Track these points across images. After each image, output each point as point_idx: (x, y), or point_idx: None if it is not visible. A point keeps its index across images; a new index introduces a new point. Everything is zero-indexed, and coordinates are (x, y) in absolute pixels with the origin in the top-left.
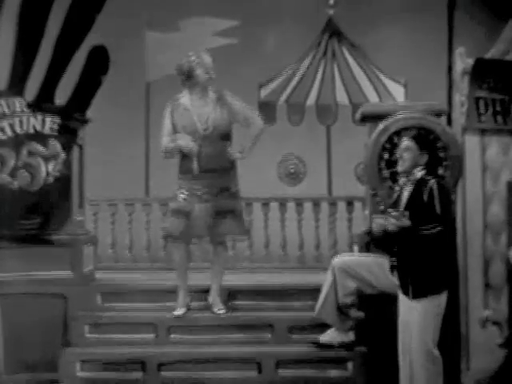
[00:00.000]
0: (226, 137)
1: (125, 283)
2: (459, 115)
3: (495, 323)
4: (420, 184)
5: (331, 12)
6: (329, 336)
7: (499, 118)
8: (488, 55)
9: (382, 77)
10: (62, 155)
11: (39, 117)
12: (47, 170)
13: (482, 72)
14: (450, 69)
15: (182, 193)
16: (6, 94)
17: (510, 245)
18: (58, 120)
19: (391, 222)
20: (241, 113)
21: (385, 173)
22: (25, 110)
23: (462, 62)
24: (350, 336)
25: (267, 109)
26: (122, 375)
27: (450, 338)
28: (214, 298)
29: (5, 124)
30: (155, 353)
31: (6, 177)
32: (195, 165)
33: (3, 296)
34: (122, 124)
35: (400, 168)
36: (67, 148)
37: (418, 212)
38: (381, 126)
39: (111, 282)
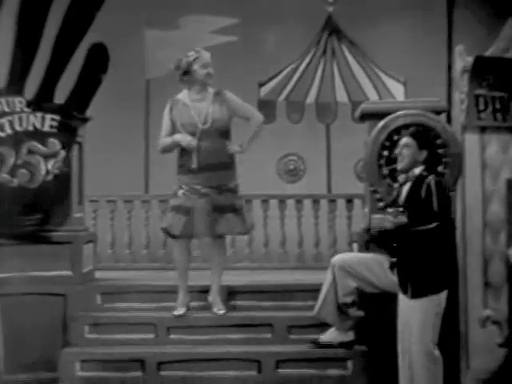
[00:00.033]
0: (224, 133)
1: (125, 283)
2: (459, 113)
3: (495, 322)
4: (418, 181)
5: (331, 10)
6: (329, 336)
7: (499, 116)
8: (488, 53)
9: (381, 75)
10: (62, 153)
11: (39, 115)
12: (47, 168)
13: (481, 70)
14: (449, 66)
15: (182, 188)
16: (5, 92)
17: (509, 243)
18: (57, 118)
19: (387, 219)
20: (240, 108)
21: (384, 170)
22: (24, 108)
23: (462, 59)
24: (350, 335)
25: (267, 107)
26: (121, 375)
27: (450, 338)
28: (214, 297)
29: (4, 121)
30: (155, 352)
31: (5, 175)
32: (194, 159)
33: (3, 295)
34: (122, 121)
35: (399, 165)
36: (67, 146)
37: (415, 209)
38: (380, 123)
39: (111, 282)
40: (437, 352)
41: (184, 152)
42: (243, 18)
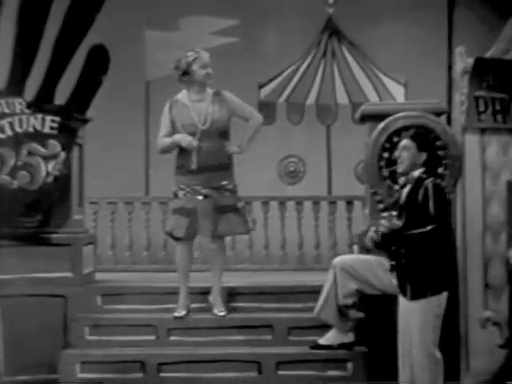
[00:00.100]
0: (224, 133)
1: (125, 284)
2: (459, 114)
3: (495, 324)
4: (417, 184)
5: (331, 11)
6: (328, 338)
7: (499, 117)
8: (488, 54)
9: (381, 76)
10: (62, 155)
11: (39, 116)
12: (47, 170)
13: (481, 71)
14: (449, 68)
15: (182, 189)
16: (5, 93)
17: (509, 245)
18: (57, 119)
19: (382, 223)
20: (239, 108)
21: (384, 172)
22: (24, 110)
23: (462, 61)
24: (350, 337)
25: (267, 108)
26: (122, 376)
27: (450, 339)
28: (214, 298)
29: (4, 123)
30: (155, 354)
31: (5, 177)
32: (194, 160)
33: (3, 297)
34: (122, 123)
35: (399, 168)
36: (67, 147)
37: (413, 212)
38: (380, 125)
39: (111, 284)
40: (438, 353)
41: (183, 152)
42: (243, 19)
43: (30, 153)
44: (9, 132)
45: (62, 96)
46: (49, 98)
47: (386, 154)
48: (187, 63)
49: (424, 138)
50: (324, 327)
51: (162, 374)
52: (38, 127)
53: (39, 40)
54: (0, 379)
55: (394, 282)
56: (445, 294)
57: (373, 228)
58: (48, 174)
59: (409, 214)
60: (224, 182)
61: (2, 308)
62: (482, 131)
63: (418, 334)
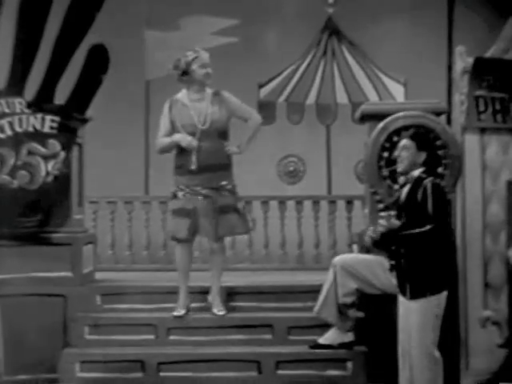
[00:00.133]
0: (223, 134)
1: (125, 284)
2: (459, 114)
3: (495, 323)
4: (416, 183)
5: (331, 11)
6: (328, 338)
7: (499, 117)
8: (488, 53)
9: (381, 76)
10: (62, 154)
11: (39, 116)
12: (47, 169)
13: (481, 71)
14: (449, 67)
15: (181, 189)
16: (5, 93)
17: (509, 244)
18: (57, 119)
19: (380, 223)
20: (238, 108)
21: (384, 171)
22: (24, 109)
23: (462, 60)
24: (350, 336)
25: (267, 108)
26: (121, 376)
27: (450, 339)
28: (214, 298)
29: (4, 122)
30: (155, 353)
31: (5, 176)
32: (194, 160)
33: (3, 296)
34: (122, 122)
35: (398, 167)
36: (67, 147)
37: (413, 211)
38: (380, 124)
39: (111, 283)
40: (437, 353)
41: (182, 152)
42: (243, 19)
43: (29, 152)
44: (9, 132)
45: (61, 96)
46: (49, 97)
47: (385, 154)
48: (187, 63)
49: (424, 137)
50: (324, 327)
51: (161, 374)
52: (38, 127)
53: (39, 40)
54: (0, 378)
55: (394, 281)
56: (444, 294)
57: (371, 227)
58: (48, 173)
59: (408, 213)
60: (223, 183)
61: (1, 307)
62: (482, 131)
63: (418, 333)
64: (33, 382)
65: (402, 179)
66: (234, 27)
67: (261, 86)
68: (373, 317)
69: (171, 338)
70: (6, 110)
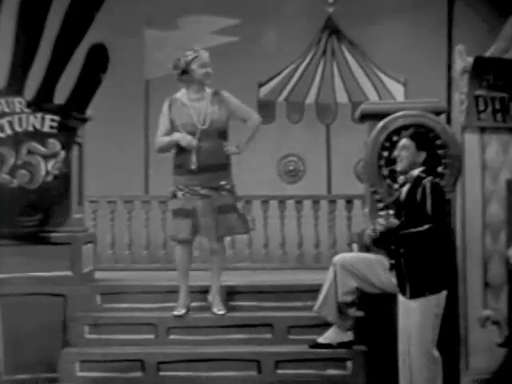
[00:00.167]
0: (222, 134)
1: (124, 283)
2: (459, 113)
3: (495, 322)
4: (416, 183)
5: (330, 10)
6: (327, 337)
7: (498, 116)
8: (488, 53)
9: (381, 75)
10: (62, 153)
11: (38, 115)
12: (46, 169)
13: (481, 70)
14: (449, 67)
15: (180, 189)
16: (5, 92)
17: (509, 244)
18: (57, 118)
19: (379, 222)
20: (238, 109)
21: (384, 171)
22: (24, 109)
23: (462, 60)
24: (350, 335)
25: (267, 107)
26: (121, 375)
27: (449, 338)
28: (214, 297)
29: (4, 122)
30: (155, 353)
31: (5, 176)
32: (194, 159)
33: (2, 296)
34: (122, 122)
35: (398, 167)
36: (66, 146)
37: (412, 211)
38: (380, 124)
39: (111, 283)
40: (436, 353)
41: (181, 152)
42: (243, 18)
43: (29, 152)
44: (8, 131)
45: (61, 95)
46: (48, 97)
47: (385, 153)
48: (186, 62)
49: (423, 137)
50: (324, 326)
51: (161, 373)
52: (38, 126)
53: (39, 39)
54: (0, 378)
55: (394, 280)
56: (444, 294)
57: (371, 226)
58: (48, 172)
59: (407, 212)
60: (222, 182)
61: (1, 307)
62: (482, 130)
63: (417, 332)
64: (33, 382)
65: (401, 178)
66: (234, 26)
67: (260, 86)
68: (373, 316)
69: (171, 337)
70: (6, 110)
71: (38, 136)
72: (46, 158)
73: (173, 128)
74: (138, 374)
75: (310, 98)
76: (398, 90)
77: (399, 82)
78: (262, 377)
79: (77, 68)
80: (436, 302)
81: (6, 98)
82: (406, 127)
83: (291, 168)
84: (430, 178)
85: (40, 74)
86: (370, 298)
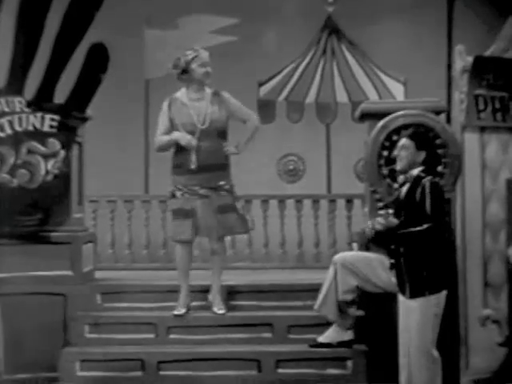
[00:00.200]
0: (222, 134)
1: (124, 283)
2: (458, 113)
3: (495, 322)
4: (415, 182)
5: (330, 9)
6: (328, 336)
7: (498, 116)
8: (488, 52)
9: (381, 74)
10: (62, 153)
11: (38, 115)
12: (46, 168)
13: (481, 69)
14: (449, 66)
15: (179, 189)
16: (5, 92)
17: (509, 243)
18: (57, 118)
19: (378, 221)
20: (237, 110)
21: (384, 170)
22: (24, 108)
23: (462, 59)
24: (349, 334)
25: (266, 107)
26: (121, 375)
27: (450, 337)
28: (214, 296)
29: (4, 121)
30: (155, 352)
31: (5, 175)
32: (193, 159)
33: (3, 295)
34: (122, 121)
35: (397, 166)
36: (66, 146)
37: (411, 210)
38: (380, 123)
39: (111, 282)
40: (435, 352)
41: (180, 151)
42: (243, 18)
43: (29, 151)
44: (8, 130)
45: (61, 94)
46: (48, 96)
47: (385, 153)
48: (186, 62)
49: (423, 137)
50: (324, 325)
51: (161, 372)
52: (38, 126)
53: (39, 38)
54: (0, 377)
55: (394, 280)
56: (444, 293)
57: (369, 225)
58: (48, 172)
59: (407, 212)
60: (222, 182)
61: (1, 306)
62: (482, 130)
63: (417, 332)
64: (33, 381)
65: (401, 178)
66: (234, 26)
67: (260, 85)
68: (373, 315)
69: (171, 336)
70: (6, 109)
71: (38, 135)
72: (45, 157)
73: (172, 127)
74: (138, 373)
75: (310, 98)
76: (397, 90)
77: (399, 81)
78: (262, 376)
79: (77, 67)
80: (436, 301)
81: (6, 97)
82: (405, 126)
83: (291, 167)
84: (429, 178)
85: (40, 74)
86: (371, 297)
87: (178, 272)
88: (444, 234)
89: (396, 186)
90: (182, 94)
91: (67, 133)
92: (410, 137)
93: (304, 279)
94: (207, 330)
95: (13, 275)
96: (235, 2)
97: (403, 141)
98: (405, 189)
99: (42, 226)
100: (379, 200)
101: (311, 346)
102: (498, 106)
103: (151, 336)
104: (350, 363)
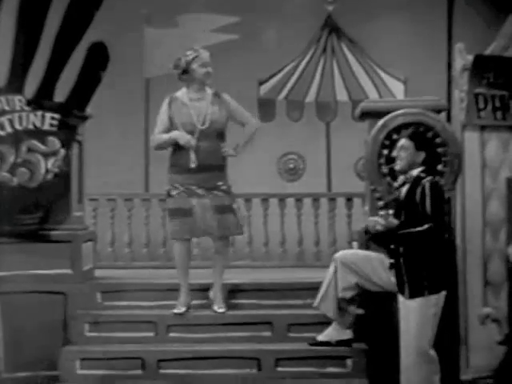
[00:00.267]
0: (221, 135)
1: (124, 281)
2: (459, 111)
3: (495, 320)
4: (415, 183)
5: (330, 8)
6: (328, 334)
7: (498, 114)
8: (488, 51)
9: (381, 73)
10: (62, 152)
11: (39, 113)
12: (46, 167)
13: (481, 68)
14: (449, 65)
15: (175, 187)
16: (5, 90)
17: (509, 242)
18: (57, 116)
19: (378, 221)
20: (237, 111)
21: (384, 169)
22: (24, 107)
23: (462, 58)
24: (349, 334)
25: (267, 105)
26: (121, 373)
27: (449, 336)
28: (215, 294)
29: (4, 120)
30: (155, 350)
31: (5, 174)
32: (193, 158)
33: (2, 293)
34: (122, 120)
35: (397, 167)
36: (66, 144)
37: (411, 211)
38: (380, 122)
39: (111, 280)
40: (432, 352)
41: (179, 150)
42: (243, 16)
43: (29, 150)
44: (8, 129)
45: (61, 93)
46: (48, 95)
47: (385, 151)
48: (187, 62)
49: (422, 137)
50: (323, 324)
51: (161, 371)
52: (38, 124)
53: (39, 37)
54: (0, 376)
55: (393, 279)
56: (443, 294)
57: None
58: (48, 171)
59: (407, 212)
60: (219, 183)
61: (1, 305)
62: (482, 128)
63: (415, 331)
64: (33, 380)
65: (401, 178)
66: (234, 24)
67: (261, 84)
68: (373, 314)
69: (171, 335)
70: (6, 108)
71: (38, 134)
72: (45, 156)
73: (172, 126)
74: (138, 371)
75: (310, 96)
76: (397, 88)
77: (399, 80)
78: (262, 374)
79: (77, 66)
80: (435, 301)
81: (6, 95)
82: (406, 125)
83: (291, 166)
84: (429, 178)
85: (40, 72)
86: (371, 295)
87: (178, 270)
88: (444, 235)
89: (396, 185)
90: (182, 93)
91: (67, 131)
92: (410, 137)
93: (304, 278)
94: (207, 329)
95: (13, 274)
96: (235, 1)
97: (402, 141)
98: (405, 189)
99: (42, 225)
100: (379, 199)
101: (311, 345)
102: (498, 104)
103: (151, 334)
104: (349, 362)
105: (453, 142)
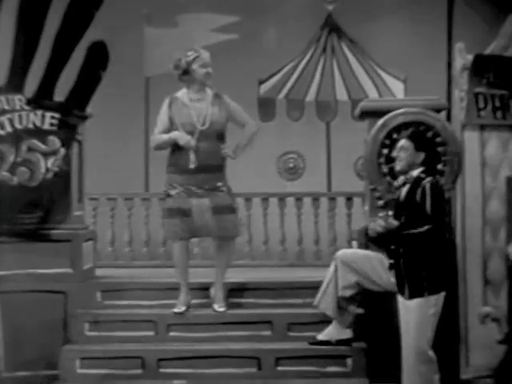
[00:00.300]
0: (220, 135)
1: (125, 280)
2: (458, 111)
3: (494, 319)
4: (415, 183)
5: (330, 8)
6: (328, 334)
7: (498, 114)
8: (488, 50)
9: (381, 72)
10: (62, 151)
11: (39, 113)
12: (46, 166)
13: (481, 67)
14: (449, 64)
15: (174, 187)
16: (5, 90)
17: (509, 241)
18: (57, 116)
19: (378, 223)
20: (237, 113)
21: (384, 168)
22: (24, 106)
23: (462, 57)
24: (348, 333)
25: (267, 104)
26: (121, 372)
27: (449, 335)
28: (216, 293)
29: (4, 119)
30: (155, 350)
31: (5, 173)
32: (193, 158)
33: (3, 293)
34: (122, 119)
35: (397, 167)
36: (66, 144)
37: (412, 211)
38: (380, 121)
39: (111, 280)
40: (431, 352)
41: (178, 151)
42: (243, 15)
43: (29, 149)
44: (8, 128)
45: (61, 92)
46: (48, 94)
47: (385, 151)
48: (187, 62)
49: (422, 137)
50: (323, 323)
51: (161, 370)
52: (38, 123)
53: (39, 36)
54: (0, 375)
55: (393, 280)
56: (442, 294)
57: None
58: (48, 170)
59: (407, 213)
60: (219, 184)
61: (1, 304)
62: (482, 128)
63: (414, 332)
64: (33, 379)
65: (401, 179)
66: (234, 24)
67: (261, 83)
68: (373, 313)
69: (171, 334)
70: (6, 107)
71: (38, 133)
72: (45, 155)
73: (171, 126)
74: (138, 370)
75: (310, 96)
76: (397, 88)
77: (399, 79)
78: (262, 373)
79: (77, 65)
80: (434, 302)
81: (6, 95)
82: (405, 125)
83: (291, 165)
84: (429, 179)
85: (40, 72)
86: (370, 295)
87: (177, 269)
88: (444, 235)
89: (396, 185)
90: (182, 93)
91: (67, 131)
92: (409, 138)
93: (304, 277)
94: (207, 328)
95: (13, 273)
96: (235, 1)
97: (402, 142)
98: (405, 190)
99: (42, 224)
100: (379, 198)
101: (311, 344)
102: (498, 104)
103: (151, 334)
104: (349, 361)
105: (453, 141)
